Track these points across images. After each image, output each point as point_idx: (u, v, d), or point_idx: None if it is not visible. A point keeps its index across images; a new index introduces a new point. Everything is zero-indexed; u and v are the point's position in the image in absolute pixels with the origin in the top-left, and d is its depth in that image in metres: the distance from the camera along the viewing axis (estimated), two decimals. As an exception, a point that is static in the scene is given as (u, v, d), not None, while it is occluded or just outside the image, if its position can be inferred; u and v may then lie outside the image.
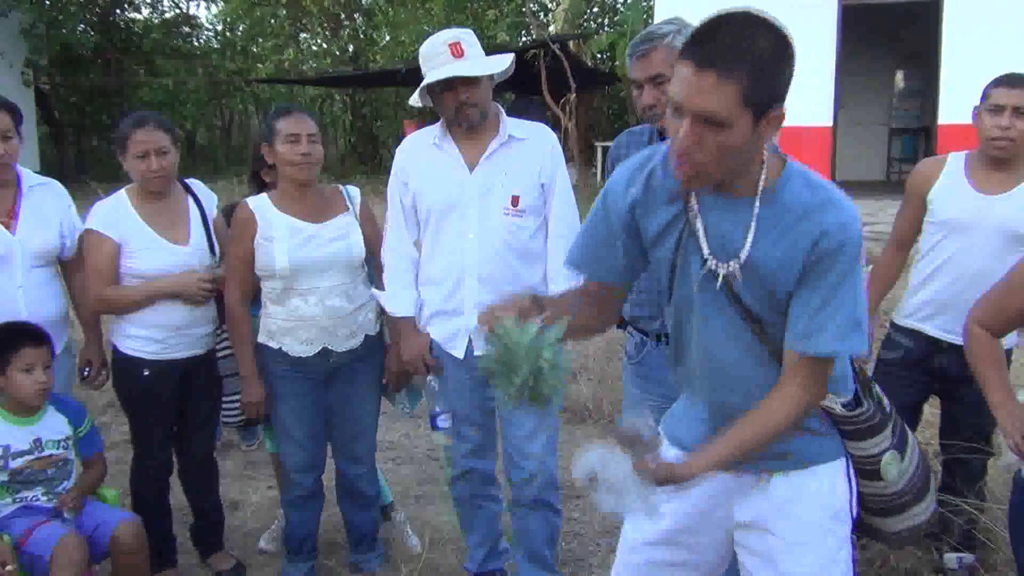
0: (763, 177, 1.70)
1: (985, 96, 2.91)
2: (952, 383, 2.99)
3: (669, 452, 1.94)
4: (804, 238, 1.67)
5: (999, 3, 10.93)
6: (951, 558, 3.07)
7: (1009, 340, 2.66)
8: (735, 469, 1.86)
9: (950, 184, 2.99)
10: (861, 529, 2.00)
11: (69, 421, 2.99)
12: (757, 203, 1.70)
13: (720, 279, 1.75)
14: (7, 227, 3.02)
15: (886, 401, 1.96)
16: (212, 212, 3.26)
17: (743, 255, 1.72)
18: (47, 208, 3.15)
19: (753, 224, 1.71)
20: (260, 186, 3.43)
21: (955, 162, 3.03)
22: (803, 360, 1.73)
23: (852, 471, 1.92)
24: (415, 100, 2.93)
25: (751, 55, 1.54)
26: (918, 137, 14.57)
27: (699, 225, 1.77)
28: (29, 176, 3.17)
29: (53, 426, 2.95)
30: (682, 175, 1.66)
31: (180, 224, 3.16)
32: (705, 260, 1.76)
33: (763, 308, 1.77)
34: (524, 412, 2.82)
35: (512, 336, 1.56)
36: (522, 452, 2.99)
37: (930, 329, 3.02)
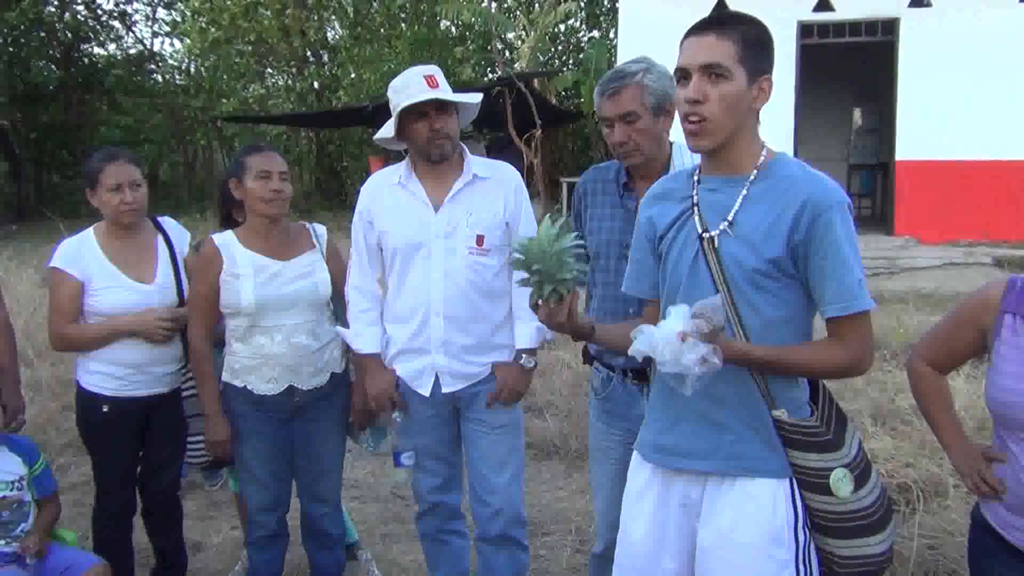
0: (762, 158, 1.95)
1: None
2: None
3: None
4: (790, 205, 1.87)
5: (952, 43, 11.26)
6: None
7: None
8: (687, 470, 2.01)
9: None
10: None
11: (23, 461, 2.91)
12: (752, 176, 1.94)
13: (708, 240, 1.94)
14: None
15: (854, 440, 1.99)
16: (184, 250, 3.23)
17: (731, 216, 1.93)
18: None
19: (744, 191, 1.93)
20: (234, 227, 3.40)
21: None
22: (842, 323, 1.89)
23: (798, 495, 1.95)
24: (385, 133, 2.91)
25: (740, 26, 1.90)
26: (876, 173, 14.87)
27: (697, 202, 1.99)
28: None
29: (6, 467, 2.87)
30: (692, 128, 1.89)
31: (146, 262, 3.14)
32: (698, 230, 1.96)
33: (745, 276, 1.91)
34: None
35: (524, 242, 1.88)
36: (488, 486, 2.97)
37: None
